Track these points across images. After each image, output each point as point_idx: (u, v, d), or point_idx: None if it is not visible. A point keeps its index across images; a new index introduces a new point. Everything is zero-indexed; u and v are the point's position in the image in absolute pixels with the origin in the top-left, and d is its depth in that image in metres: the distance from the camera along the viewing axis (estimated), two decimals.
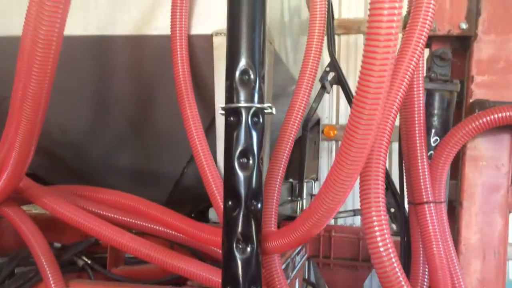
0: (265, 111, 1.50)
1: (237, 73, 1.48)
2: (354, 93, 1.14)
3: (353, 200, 5.09)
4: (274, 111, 1.55)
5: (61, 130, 2.76)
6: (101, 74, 2.39)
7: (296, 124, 1.97)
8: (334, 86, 2.95)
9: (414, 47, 1.49)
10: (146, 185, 3.16)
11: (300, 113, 1.98)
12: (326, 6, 2.01)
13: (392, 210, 2.48)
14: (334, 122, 5.66)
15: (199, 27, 2.09)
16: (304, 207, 4.40)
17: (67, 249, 2.12)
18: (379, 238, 1.32)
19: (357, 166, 1.17)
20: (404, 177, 1.97)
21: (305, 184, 3.72)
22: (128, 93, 2.51)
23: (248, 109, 1.47)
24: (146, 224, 2.14)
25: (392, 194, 2.50)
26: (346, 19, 5.55)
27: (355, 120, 1.12)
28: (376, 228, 1.32)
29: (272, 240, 1.51)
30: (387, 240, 1.32)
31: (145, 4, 2.14)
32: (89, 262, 2.16)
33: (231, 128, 1.49)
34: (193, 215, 3.67)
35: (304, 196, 3.73)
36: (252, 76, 1.48)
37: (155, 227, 2.14)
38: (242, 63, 1.49)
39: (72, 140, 2.83)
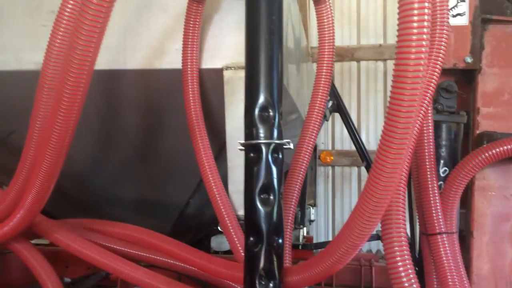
0: (284, 146, 1.52)
1: (257, 110, 1.51)
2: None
3: None
4: (292, 146, 1.57)
5: (65, 159, 2.75)
6: (109, 106, 2.41)
7: (307, 155, 2.00)
8: None
9: (428, 82, 1.54)
10: (150, 215, 3.14)
11: (311, 144, 2.02)
12: (334, 36, 2.07)
13: None
14: (330, 147, 5.72)
15: (209, 61, 2.13)
16: (305, 234, 4.41)
17: (78, 284, 2.09)
18: (404, 279, 1.33)
19: (387, 195, 1.19)
20: (414, 208, 2.00)
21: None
22: (136, 125, 2.52)
23: (268, 145, 1.49)
24: (155, 257, 2.13)
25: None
26: (340, 47, 5.66)
27: (385, 150, 1.14)
28: (401, 269, 1.35)
29: (293, 275, 1.51)
30: (412, 280, 1.34)
31: (155, 39, 2.18)
32: None
33: (251, 164, 1.50)
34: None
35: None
36: (271, 113, 1.51)
37: (164, 259, 2.13)
38: (261, 100, 1.51)
39: (76, 170, 2.81)
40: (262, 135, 1.50)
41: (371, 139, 5.45)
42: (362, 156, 3.24)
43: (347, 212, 5.57)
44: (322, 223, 5.65)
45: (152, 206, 3.09)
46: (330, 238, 5.58)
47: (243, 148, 1.55)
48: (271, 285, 1.44)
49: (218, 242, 3.46)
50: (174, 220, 3.16)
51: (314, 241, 4.48)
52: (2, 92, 2.34)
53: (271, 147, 1.49)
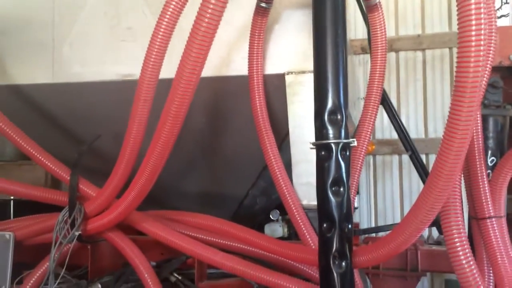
0: (350, 144, 1.75)
1: (326, 114, 1.73)
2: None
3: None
4: (356, 143, 1.80)
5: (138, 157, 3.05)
6: None
7: (364, 148, 2.23)
8: None
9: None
10: (212, 207, 3.42)
11: (368, 136, 2.24)
12: (386, 41, 2.27)
13: None
14: (371, 137, 5.86)
15: (272, 68, 2.37)
16: None
17: (162, 267, 2.39)
18: (464, 261, 1.55)
19: (450, 182, 1.39)
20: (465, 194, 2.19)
21: None
22: (201, 125, 2.79)
23: (337, 144, 1.72)
24: (228, 242, 2.39)
25: None
26: None
27: (449, 143, 1.34)
28: (460, 253, 1.56)
29: (361, 255, 1.74)
30: (471, 262, 1.56)
31: (223, 49, 2.43)
32: (179, 278, 2.42)
33: (322, 161, 1.74)
34: None
35: None
36: (339, 116, 1.73)
37: (233, 244, 2.38)
38: (330, 105, 1.74)
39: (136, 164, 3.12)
40: (331, 135, 1.73)
41: (411, 128, 5.57)
42: (407, 145, 3.41)
43: (389, 199, 5.72)
44: (365, 210, 5.82)
45: (214, 198, 3.37)
46: (373, 225, 5.76)
47: (313, 147, 1.78)
48: (343, 264, 1.68)
49: (272, 230, 3.70)
50: (234, 211, 3.43)
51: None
52: (87, 101, 2.65)
53: (340, 145, 1.72)
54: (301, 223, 2.19)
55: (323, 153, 1.74)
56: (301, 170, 2.33)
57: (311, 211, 2.29)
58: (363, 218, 5.81)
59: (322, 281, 1.71)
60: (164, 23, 1.80)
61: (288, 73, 2.36)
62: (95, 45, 2.58)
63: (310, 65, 2.34)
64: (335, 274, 1.67)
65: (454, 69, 1.35)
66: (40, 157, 2.32)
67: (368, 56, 4.08)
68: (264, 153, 2.29)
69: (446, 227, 1.63)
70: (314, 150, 2.22)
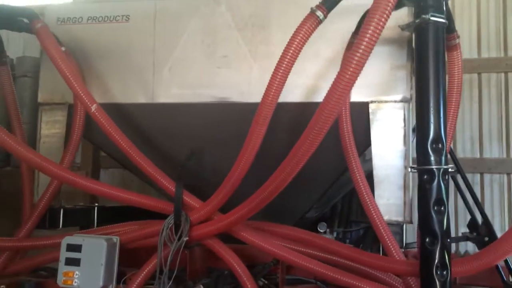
0: (449, 170, 2.03)
1: (429, 142, 2.01)
2: None
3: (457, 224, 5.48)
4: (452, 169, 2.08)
5: (213, 170, 3.31)
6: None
7: None
8: None
9: None
10: (274, 218, 3.69)
11: None
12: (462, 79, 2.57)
13: (486, 239, 2.98)
14: None
15: (358, 96, 2.65)
16: None
17: (254, 271, 2.65)
18: None
19: None
20: None
21: None
22: (280, 144, 3.06)
23: (439, 169, 2.00)
24: (313, 252, 2.65)
25: (486, 225, 2.99)
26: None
27: None
28: None
29: (458, 266, 2.01)
30: None
31: (311, 78, 2.73)
32: (266, 282, 2.69)
33: (425, 183, 2.01)
34: None
35: None
36: (440, 145, 2.02)
37: (316, 253, 2.64)
38: (432, 134, 2.02)
39: (221, 180, 3.39)
40: (433, 162, 2.01)
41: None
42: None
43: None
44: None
45: (277, 210, 3.63)
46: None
47: (415, 171, 2.06)
48: (444, 273, 1.95)
49: None
50: (293, 223, 3.69)
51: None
52: (184, 121, 2.93)
53: (441, 171, 2.00)
54: (386, 237, 2.45)
55: (425, 177, 2.02)
56: (384, 189, 2.60)
57: (392, 226, 2.56)
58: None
59: None
60: (290, 51, 2.09)
61: (371, 102, 2.66)
62: (193, 69, 2.87)
63: (390, 94, 2.67)
64: (437, 283, 1.94)
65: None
66: (150, 170, 2.60)
67: None
68: (351, 174, 2.55)
69: None
70: (396, 172, 2.53)
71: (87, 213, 3.36)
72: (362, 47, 1.82)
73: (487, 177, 5.51)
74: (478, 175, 5.53)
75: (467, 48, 5.85)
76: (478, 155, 5.59)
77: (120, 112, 2.96)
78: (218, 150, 3.00)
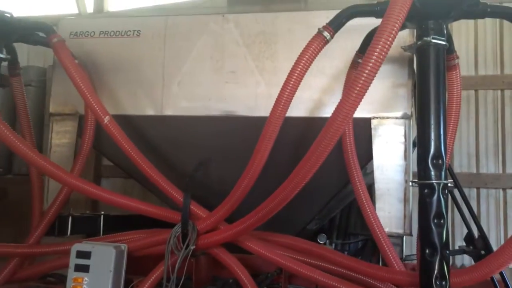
0: (449, 185, 2.13)
1: (430, 158, 2.11)
2: None
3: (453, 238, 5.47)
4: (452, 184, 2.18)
5: (220, 180, 3.39)
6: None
7: None
8: None
9: None
10: (276, 228, 3.77)
11: None
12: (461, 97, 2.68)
13: (483, 252, 3.06)
14: None
15: (360, 112, 2.74)
16: None
17: (257, 280, 2.73)
18: None
19: None
20: None
21: None
22: (284, 157, 3.15)
23: (439, 184, 2.09)
24: (316, 262, 2.73)
25: (482, 238, 3.08)
26: None
27: None
28: None
29: (456, 277, 2.10)
30: None
31: (315, 93, 2.83)
32: None
33: (425, 197, 2.11)
34: None
35: None
36: (440, 161, 2.12)
37: (322, 264, 2.72)
38: (433, 150, 2.12)
39: (227, 191, 3.47)
40: (434, 177, 2.11)
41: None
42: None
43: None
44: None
45: (279, 221, 3.71)
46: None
47: (416, 185, 2.16)
48: (443, 283, 2.04)
49: None
50: (295, 233, 3.77)
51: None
52: (192, 133, 3.03)
53: (441, 185, 2.10)
54: (386, 248, 2.53)
55: (426, 191, 2.11)
56: (384, 202, 2.70)
57: (392, 237, 2.65)
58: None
59: None
60: (299, 68, 2.19)
61: (374, 118, 2.77)
62: (202, 84, 2.98)
63: (392, 111, 2.78)
64: None
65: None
66: (160, 180, 2.69)
67: None
68: (354, 187, 2.64)
69: None
70: (397, 186, 2.62)
71: (94, 221, 3.43)
72: (369, 66, 1.92)
73: (483, 191, 5.62)
74: (475, 190, 5.64)
75: (464, 65, 5.99)
76: (474, 170, 5.69)
77: (130, 124, 3.05)
78: (225, 162, 3.08)
